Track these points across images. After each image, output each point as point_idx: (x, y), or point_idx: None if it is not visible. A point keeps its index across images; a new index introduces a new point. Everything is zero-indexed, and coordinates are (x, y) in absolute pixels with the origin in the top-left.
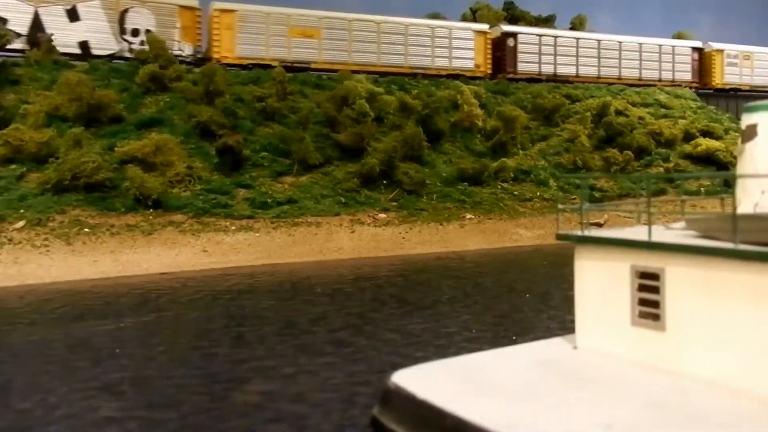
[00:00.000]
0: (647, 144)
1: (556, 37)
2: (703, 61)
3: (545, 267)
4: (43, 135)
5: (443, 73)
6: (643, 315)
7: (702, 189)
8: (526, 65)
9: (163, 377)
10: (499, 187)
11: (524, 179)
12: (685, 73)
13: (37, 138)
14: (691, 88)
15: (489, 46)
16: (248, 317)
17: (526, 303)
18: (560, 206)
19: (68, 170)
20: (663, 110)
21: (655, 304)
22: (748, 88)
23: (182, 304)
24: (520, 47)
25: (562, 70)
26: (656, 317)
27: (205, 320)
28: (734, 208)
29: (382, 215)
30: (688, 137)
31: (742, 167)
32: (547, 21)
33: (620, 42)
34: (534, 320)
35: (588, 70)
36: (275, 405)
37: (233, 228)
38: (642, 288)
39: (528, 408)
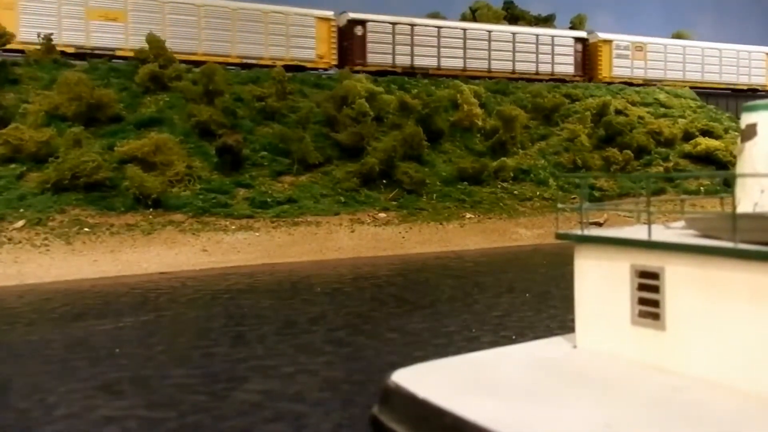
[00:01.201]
0: (647, 143)
1: (412, 25)
2: (588, 53)
3: (545, 266)
4: (43, 134)
5: (278, 63)
6: (642, 314)
7: (701, 188)
8: (377, 56)
9: (163, 377)
10: (499, 186)
11: (524, 179)
12: (566, 66)
13: (37, 137)
14: (572, 81)
15: (333, 35)
16: (248, 316)
17: (526, 302)
18: (560, 206)
19: (68, 170)
20: (663, 109)
21: (655, 304)
22: (641, 81)
23: (182, 303)
24: (370, 36)
25: (420, 62)
26: (656, 316)
27: (205, 319)
28: (734, 207)
29: (382, 215)
30: (687, 136)
31: (741, 166)
32: (547, 20)
33: (490, 31)
34: (534, 319)
35: (451, 63)
36: (275, 404)
37: (233, 227)
38: (642, 287)
39: (527, 407)
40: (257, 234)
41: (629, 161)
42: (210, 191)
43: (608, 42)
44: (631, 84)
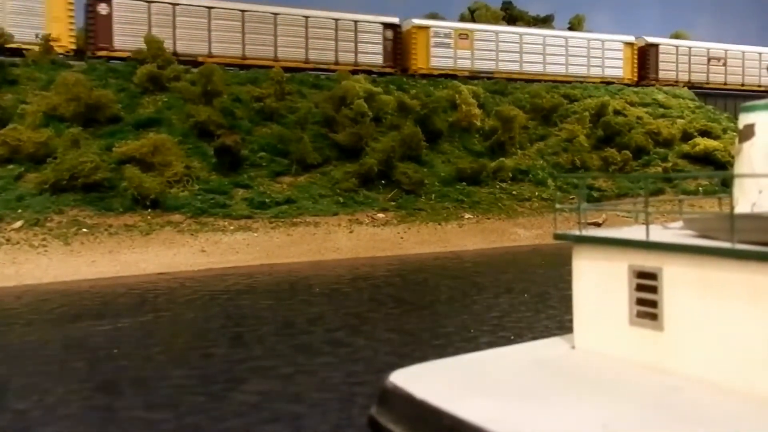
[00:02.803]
0: (645, 144)
1: (174, 5)
2: (400, 42)
3: (543, 267)
4: (41, 135)
5: None
6: (640, 315)
7: (700, 188)
8: (126, 40)
9: (161, 377)
10: (498, 186)
11: (522, 179)
12: (375, 55)
13: (35, 138)
14: (382, 74)
15: (70, 12)
16: (246, 317)
17: (524, 303)
18: (558, 206)
19: (66, 170)
20: (661, 110)
21: (653, 304)
22: (467, 73)
23: (180, 304)
24: (118, 16)
25: (185, 48)
26: (654, 317)
27: (203, 320)
28: (732, 207)
29: (381, 215)
30: (686, 137)
31: (739, 167)
32: (545, 21)
33: (276, 14)
34: (532, 320)
35: (227, 50)
36: (273, 405)
37: (231, 228)
38: (640, 288)
39: (526, 407)
40: (256, 234)
41: (628, 161)
42: (208, 192)
43: (424, 29)
44: (454, 77)
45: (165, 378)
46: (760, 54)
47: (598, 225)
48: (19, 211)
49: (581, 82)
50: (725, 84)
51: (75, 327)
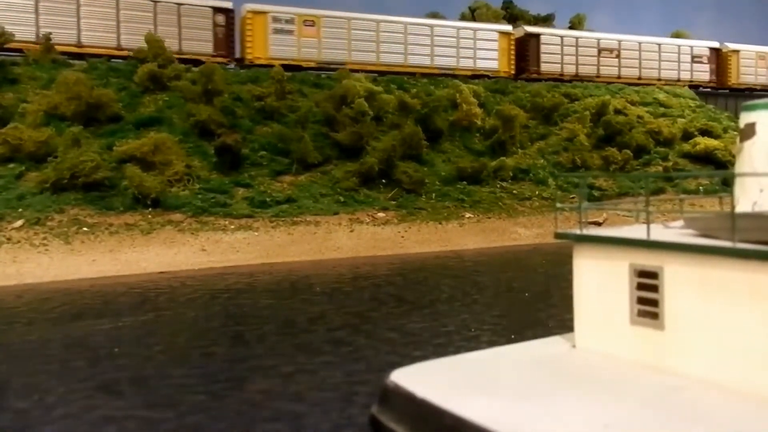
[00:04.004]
0: (646, 143)
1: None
2: (234, 29)
3: (544, 266)
4: (42, 134)
5: None
6: (641, 314)
7: (701, 188)
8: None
9: (162, 376)
10: (498, 186)
11: (523, 178)
12: (203, 43)
13: (36, 137)
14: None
15: None
16: (247, 316)
17: (525, 302)
18: (559, 205)
19: (67, 169)
20: (662, 109)
21: (654, 303)
22: (313, 64)
23: (181, 303)
24: None
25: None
26: (655, 316)
27: (204, 319)
28: (733, 206)
29: (381, 214)
30: (686, 136)
31: (740, 166)
32: (546, 20)
33: None
34: (533, 319)
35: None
36: (274, 404)
37: (232, 227)
38: (641, 287)
39: (526, 406)
40: (256, 233)
41: (628, 161)
42: (209, 191)
43: (261, 14)
44: (299, 68)
45: (166, 377)
46: (659, 45)
47: (598, 224)
48: (20, 210)
49: (450, 76)
50: (619, 78)
51: (76, 326)
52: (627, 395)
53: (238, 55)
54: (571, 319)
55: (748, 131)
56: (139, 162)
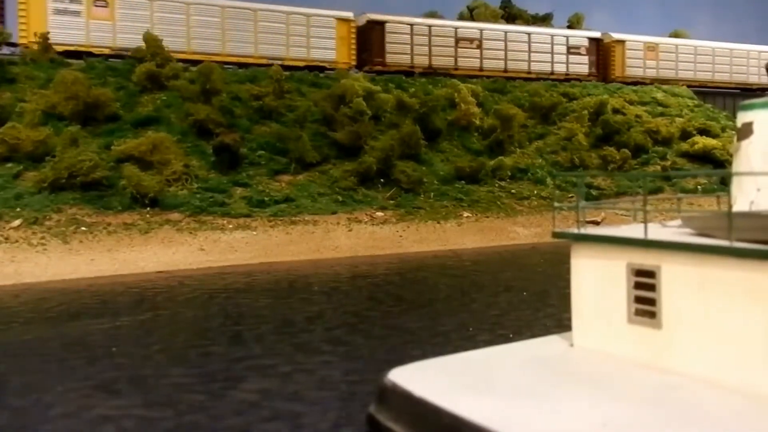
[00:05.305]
0: (644, 142)
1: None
2: (4, 8)
3: (542, 265)
4: (40, 133)
5: None
6: (639, 313)
7: (698, 187)
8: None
9: (160, 376)
10: (497, 185)
11: (521, 177)
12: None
13: (34, 136)
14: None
15: None
16: (245, 316)
17: (523, 301)
18: (557, 204)
19: (65, 169)
20: (660, 108)
21: (651, 302)
22: (108, 51)
23: (179, 302)
24: None
25: None
26: (652, 315)
27: (202, 319)
28: (730, 206)
29: (380, 213)
30: (685, 135)
31: (737, 165)
32: (544, 19)
33: None
34: (531, 318)
35: None
36: (272, 403)
37: (230, 226)
38: (638, 286)
39: (524, 406)
40: (255, 233)
41: (626, 160)
42: (207, 190)
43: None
44: (90, 54)
45: (164, 376)
46: (528, 35)
47: (596, 223)
48: (18, 209)
49: (279, 65)
50: (481, 70)
51: (74, 325)
52: (625, 394)
53: None
54: (569, 318)
55: (746, 130)
56: (137, 161)
